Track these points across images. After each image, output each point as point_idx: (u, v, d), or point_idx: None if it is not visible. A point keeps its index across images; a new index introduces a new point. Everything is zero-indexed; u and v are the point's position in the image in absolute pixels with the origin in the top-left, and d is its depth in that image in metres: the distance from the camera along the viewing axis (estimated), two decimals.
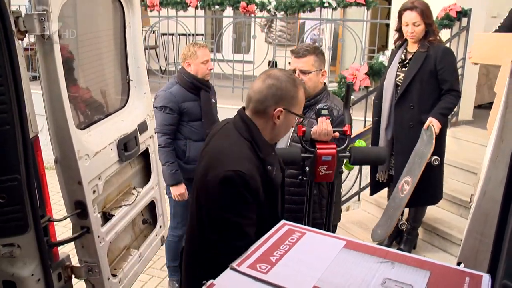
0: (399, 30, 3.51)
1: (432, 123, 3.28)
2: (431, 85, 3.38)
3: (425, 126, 3.34)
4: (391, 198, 3.49)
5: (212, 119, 3.57)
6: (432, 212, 4.08)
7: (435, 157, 3.26)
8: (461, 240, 3.50)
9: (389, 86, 3.53)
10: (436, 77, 3.35)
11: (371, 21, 6.12)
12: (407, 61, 3.48)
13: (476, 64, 4.10)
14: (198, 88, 3.49)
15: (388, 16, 5.97)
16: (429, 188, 3.43)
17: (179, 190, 3.47)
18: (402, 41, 3.54)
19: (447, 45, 4.60)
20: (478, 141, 4.48)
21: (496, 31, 3.95)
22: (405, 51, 3.54)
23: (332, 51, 6.05)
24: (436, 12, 4.65)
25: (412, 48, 3.46)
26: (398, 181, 3.44)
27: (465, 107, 5.14)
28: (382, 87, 3.61)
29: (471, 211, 1.39)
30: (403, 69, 3.50)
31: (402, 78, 3.47)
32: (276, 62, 6.09)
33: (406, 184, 3.34)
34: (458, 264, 1.23)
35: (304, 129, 2.32)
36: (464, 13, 4.76)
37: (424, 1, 3.38)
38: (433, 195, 3.56)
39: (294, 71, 2.65)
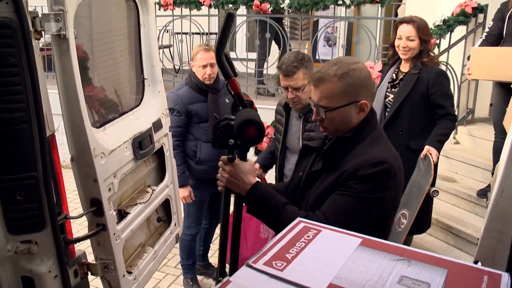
0: (392, 45, 3.30)
1: (430, 152, 3.04)
2: (422, 109, 3.16)
3: (422, 155, 3.10)
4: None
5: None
6: (447, 210, 4.04)
7: (434, 188, 3.02)
8: (477, 238, 3.48)
9: (378, 106, 3.29)
10: (427, 101, 3.13)
11: (385, 18, 6.07)
12: (397, 81, 3.28)
13: (474, 80, 3.98)
14: (204, 91, 3.48)
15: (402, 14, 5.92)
16: (417, 217, 3.07)
17: (183, 193, 3.48)
18: (394, 60, 3.34)
19: (462, 42, 4.56)
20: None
21: (484, 40, 3.89)
22: (397, 70, 3.34)
23: (346, 49, 6.03)
24: (452, 9, 4.61)
25: (405, 67, 3.26)
26: None
27: (481, 105, 5.08)
28: None
29: (488, 209, 1.37)
30: (393, 89, 3.29)
31: (392, 100, 3.27)
32: None
33: (403, 218, 3.10)
34: (475, 262, 1.22)
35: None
36: (480, 9, 4.70)
37: (422, 19, 3.20)
38: (421, 224, 3.26)
39: (286, 88, 2.62)
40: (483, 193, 3.91)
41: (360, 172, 1.57)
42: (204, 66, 3.42)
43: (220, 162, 1.69)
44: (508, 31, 3.71)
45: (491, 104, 5.14)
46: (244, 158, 1.65)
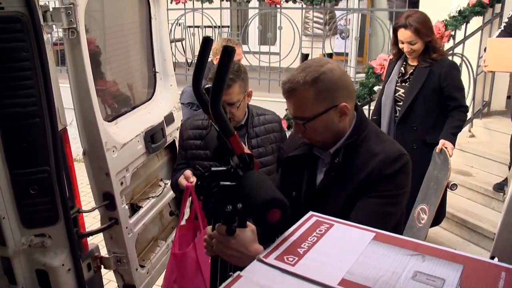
0: (395, 43, 3.20)
1: (445, 146, 2.99)
2: (435, 102, 3.10)
3: (437, 149, 3.04)
4: (407, 227, 3.15)
5: None
6: (462, 204, 3.99)
7: (453, 182, 2.95)
8: (494, 233, 3.43)
9: (388, 101, 3.24)
10: (440, 93, 3.07)
11: (399, 10, 5.98)
12: (407, 75, 3.20)
13: (491, 72, 3.90)
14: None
15: (416, 5, 5.83)
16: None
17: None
18: (400, 54, 3.24)
19: (478, 34, 4.48)
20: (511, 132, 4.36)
21: (502, 30, 3.81)
22: (404, 63, 3.24)
23: (359, 41, 5.96)
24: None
25: (413, 61, 3.18)
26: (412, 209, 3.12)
27: (498, 97, 4.99)
28: (380, 102, 3.32)
29: (505, 204, 1.34)
30: (403, 84, 3.22)
31: (403, 94, 3.20)
32: (308, 55, 6.03)
33: (423, 213, 3.03)
34: (492, 258, 1.20)
35: None
36: None
37: (421, 15, 3.07)
38: (437, 216, 3.13)
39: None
40: (500, 187, 3.85)
41: (385, 171, 1.49)
42: (239, 62, 3.25)
43: (215, 232, 1.30)
44: None
45: (508, 97, 5.06)
46: (243, 224, 1.28)
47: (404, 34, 3.03)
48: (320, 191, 1.59)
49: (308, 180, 1.65)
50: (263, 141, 2.33)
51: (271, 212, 1.14)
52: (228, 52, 1.05)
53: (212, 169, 1.25)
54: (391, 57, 3.45)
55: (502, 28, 3.82)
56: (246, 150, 1.22)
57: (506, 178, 3.83)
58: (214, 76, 1.08)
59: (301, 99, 1.48)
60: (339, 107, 1.50)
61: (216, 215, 1.31)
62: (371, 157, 1.51)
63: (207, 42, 1.27)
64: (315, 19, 7.12)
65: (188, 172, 2.22)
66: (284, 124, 3.72)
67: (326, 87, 1.47)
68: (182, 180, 2.21)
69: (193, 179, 2.17)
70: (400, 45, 3.11)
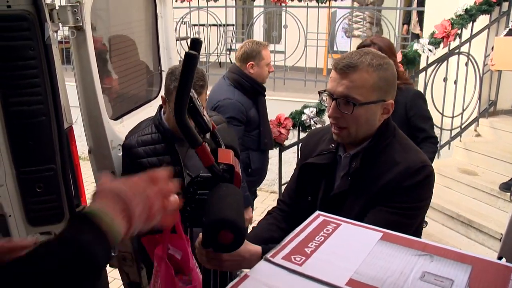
0: None
1: None
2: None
3: None
4: None
5: (269, 127, 3.30)
6: (468, 204, 3.97)
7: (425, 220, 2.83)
8: (500, 233, 3.41)
9: None
10: (407, 125, 2.85)
11: (405, 8, 5.97)
12: None
13: (498, 70, 3.87)
14: (258, 93, 3.08)
15: (422, 3, 5.80)
16: None
17: (249, 214, 3.16)
18: None
19: (485, 32, 4.45)
20: None
21: (510, 29, 3.79)
22: None
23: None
24: None
25: None
26: None
27: (504, 96, 4.96)
28: None
29: None
30: None
31: None
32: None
33: None
34: (499, 258, 1.19)
35: None
36: None
37: (385, 39, 2.90)
38: None
39: None
40: (506, 186, 3.83)
41: (404, 183, 1.40)
42: (268, 64, 3.06)
43: (201, 249, 1.22)
44: None
45: None
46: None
47: None
48: (335, 196, 1.50)
49: (325, 188, 1.57)
50: None
51: (222, 234, 1.03)
52: (190, 59, 0.98)
53: (201, 175, 1.15)
54: (398, 55, 3.41)
55: (510, 27, 3.80)
56: (231, 160, 1.12)
57: None
58: (178, 85, 0.99)
59: (361, 79, 1.39)
60: (387, 103, 1.44)
61: (195, 225, 1.24)
62: (391, 166, 1.43)
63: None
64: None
65: None
66: (290, 122, 3.72)
67: (386, 78, 1.42)
68: None
69: None
70: None
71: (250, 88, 2.99)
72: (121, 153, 2.10)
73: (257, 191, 3.57)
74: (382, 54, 1.47)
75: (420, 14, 6.11)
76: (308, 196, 1.59)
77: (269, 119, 3.35)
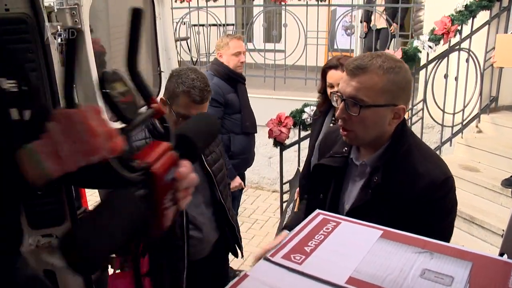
0: (322, 91, 2.64)
1: None
2: None
3: None
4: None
5: (250, 111, 3.52)
6: (470, 201, 3.96)
7: None
8: (502, 230, 3.40)
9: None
10: None
11: (405, 5, 5.95)
12: None
13: (500, 67, 3.89)
14: (234, 80, 3.42)
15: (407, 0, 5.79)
16: None
17: (235, 183, 3.42)
18: (327, 106, 2.63)
19: (485, 28, 4.44)
20: None
21: None
22: (333, 119, 2.61)
23: (364, 37, 5.94)
24: None
25: None
26: None
27: (505, 92, 4.94)
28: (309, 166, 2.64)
29: None
30: None
31: None
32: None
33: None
34: (501, 255, 1.18)
35: None
36: None
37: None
38: None
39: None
40: (508, 183, 3.82)
41: (430, 196, 1.41)
42: (238, 54, 3.40)
43: None
44: None
45: None
46: None
47: (335, 75, 2.48)
48: (356, 209, 1.48)
49: (334, 189, 1.58)
50: (212, 145, 2.23)
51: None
52: (138, 14, 0.92)
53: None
54: (398, 52, 3.41)
55: None
56: (150, 158, 0.84)
57: None
58: (130, 41, 0.94)
59: (370, 81, 1.38)
60: (398, 108, 1.42)
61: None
62: (414, 178, 1.41)
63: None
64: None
65: None
66: (290, 121, 3.72)
67: (397, 81, 1.40)
68: None
69: None
70: (329, 90, 2.55)
71: (225, 74, 3.35)
72: None
73: (259, 190, 3.66)
74: (396, 58, 1.45)
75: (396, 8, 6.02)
76: (320, 193, 1.61)
77: (251, 106, 3.61)
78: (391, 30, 5.80)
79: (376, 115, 1.41)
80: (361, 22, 6.30)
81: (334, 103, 1.50)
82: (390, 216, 1.37)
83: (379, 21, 6.22)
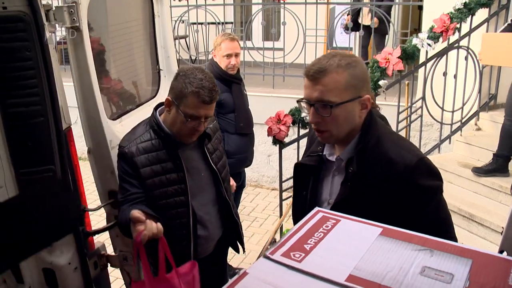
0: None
1: None
2: None
3: None
4: None
5: (244, 111, 3.48)
6: (470, 198, 3.97)
7: None
8: (502, 227, 3.40)
9: None
10: None
11: (404, 3, 5.95)
12: None
13: (486, 65, 3.97)
14: (227, 80, 3.39)
15: None
16: None
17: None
18: None
19: (484, 26, 4.44)
20: None
21: (508, 25, 3.83)
22: None
23: (363, 35, 5.93)
24: None
25: None
26: None
27: (504, 89, 4.91)
28: None
29: None
30: None
31: None
32: None
33: None
34: (501, 252, 1.18)
35: None
36: None
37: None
38: None
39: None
40: (480, 171, 3.88)
41: (410, 180, 1.43)
42: (229, 56, 3.32)
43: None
44: None
45: None
46: None
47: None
48: (339, 203, 1.52)
49: (312, 186, 1.64)
50: (215, 143, 2.23)
51: None
52: None
53: None
54: (397, 50, 3.40)
55: (510, 22, 3.82)
56: None
57: None
58: None
59: (333, 82, 1.43)
60: (363, 99, 1.47)
61: None
62: (388, 165, 1.45)
63: None
64: None
65: (136, 214, 1.77)
66: (289, 119, 3.71)
67: (357, 75, 1.45)
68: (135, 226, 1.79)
69: (142, 227, 1.74)
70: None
71: (218, 74, 3.27)
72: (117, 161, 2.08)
73: (258, 188, 3.62)
74: (350, 54, 1.53)
75: (419, 9, 6.06)
76: (303, 191, 1.67)
77: (247, 106, 3.57)
78: (374, 25, 5.78)
79: (346, 111, 1.46)
80: (348, 15, 6.23)
81: (302, 110, 1.53)
82: (375, 207, 1.42)
83: (367, 18, 6.20)
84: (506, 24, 3.87)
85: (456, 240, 1.48)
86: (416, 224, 1.35)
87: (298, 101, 1.54)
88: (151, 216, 1.82)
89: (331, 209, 1.50)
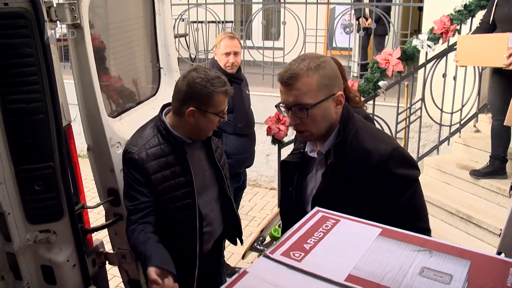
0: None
1: None
2: None
3: None
4: None
5: (244, 112, 3.46)
6: (468, 200, 3.97)
7: None
8: (499, 229, 3.41)
9: None
10: None
11: (404, 4, 5.95)
12: None
13: (462, 66, 4.04)
14: (228, 80, 3.34)
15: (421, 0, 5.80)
16: None
17: None
18: None
19: None
20: None
21: (477, 27, 3.88)
22: None
23: (363, 36, 5.94)
24: None
25: None
26: None
27: None
28: None
29: None
30: None
31: None
32: None
33: None
34: (499, 254, 1.19)
35: None
36: None
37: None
38: None
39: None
40: (477, 173, 3.90)
41: (385, 169, 1.49)
42: (227, 54, 3.29)
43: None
44: (498, 17, 3.70)
45: None
46: None
47: None
48: (320, 193, 1.60)
49: (296, 182, 1.71)
50: (216, 140, 2.23)
51: None
52: None
53: None
54: (397, 51, 3.40)
55: (478, 25, 3.91)
56: None
57: None
58: None
59: (305, 85, 1.50)
60: (337, 95, 1.55)
61: None
62: (365, 156, 1.53)
63: None
64: None
65: (153, 276, 1.72)
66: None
67: (328, 74, 1.52)
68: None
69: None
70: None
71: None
72: (120, 150, 2.09)
73: (256, 188, 3.61)
74: (318, 54, 1.60)
75: (419, 10, 6.07)
76: (289, 187, 1.74)
77: (249, 106, 3.57)
78: (367, 25, 5.78)
79: (322, 110, 1.53)
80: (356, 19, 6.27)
81: (281, 114, 1.59)
82: (354, 197, 1.52)
83: (366, 20, 6.22)
84: (475, 27, 3.96)
85: (429, 230, 1.56)
86: (392, 211, 1.50)
87: (276, 106, 1.62)
88: (166, 272, 1.79)
89: (312, 200, 1.63)
